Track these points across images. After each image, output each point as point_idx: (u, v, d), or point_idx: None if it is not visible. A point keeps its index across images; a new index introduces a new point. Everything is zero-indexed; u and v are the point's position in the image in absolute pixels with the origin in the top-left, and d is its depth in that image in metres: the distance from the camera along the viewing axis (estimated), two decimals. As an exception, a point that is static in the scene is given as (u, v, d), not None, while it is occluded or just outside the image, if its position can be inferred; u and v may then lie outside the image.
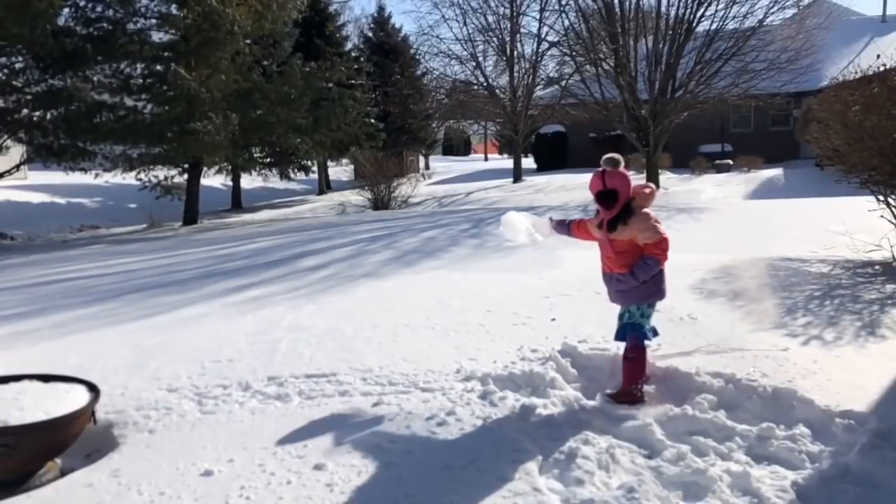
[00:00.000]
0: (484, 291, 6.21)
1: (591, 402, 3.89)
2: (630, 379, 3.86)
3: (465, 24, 28.41)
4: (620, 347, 4.13)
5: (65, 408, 3.39)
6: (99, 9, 15.58)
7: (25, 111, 14.89)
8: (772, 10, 18.81)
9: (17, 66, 14.87)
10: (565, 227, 4.33)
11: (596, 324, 4.87)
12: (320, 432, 3.52)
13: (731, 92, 19.19)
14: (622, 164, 3.82)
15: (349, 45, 33.03)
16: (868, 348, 4.56)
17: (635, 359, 3.88)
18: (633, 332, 3.91)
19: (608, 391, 3.90)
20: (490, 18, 28.14)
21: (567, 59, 25.35)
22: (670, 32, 18.78)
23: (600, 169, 3.80)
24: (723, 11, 18.59)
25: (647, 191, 3.91)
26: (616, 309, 4.12)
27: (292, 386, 4.12)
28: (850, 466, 3.09)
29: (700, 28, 18.95)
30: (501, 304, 5.72)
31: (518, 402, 3.81)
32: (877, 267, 6.89)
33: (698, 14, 18.54)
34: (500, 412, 3.70)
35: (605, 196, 3.77)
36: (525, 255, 7.66)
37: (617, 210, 3.78)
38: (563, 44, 23.64)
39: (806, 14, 20.26)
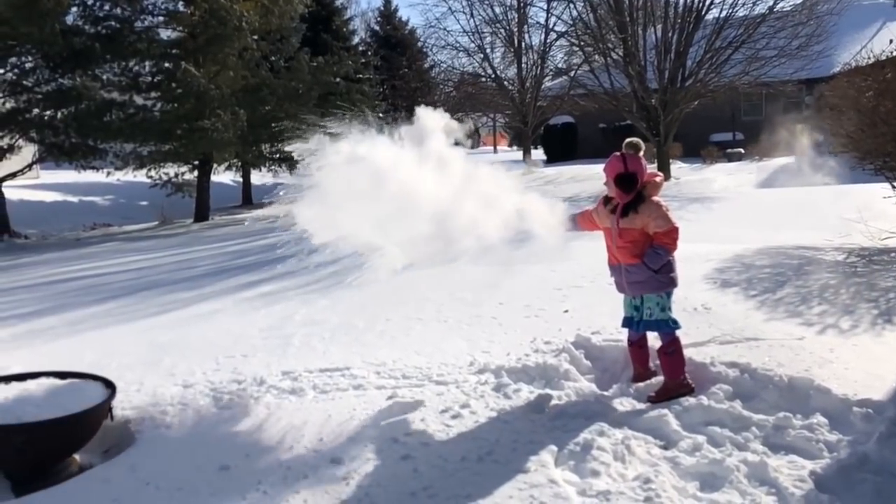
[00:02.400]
0: (496, 284, 6.19)
1: (605, 394, 3.89)
2: (675, 372, 3.83)
3: (472, 15, 28.35)
4: (625, 334, 4.14)
5: (82, 404, 3.41)
6: (107, 7, 15.60)
7: (36, 111, 14.94)
8: (782, -4, 18.64)
9: (27, 65, 14.91)
10: (572, 221, 4.23)
11: (609, 315, 4.84)
12: (335, 426, 3.53)
13: (741, 80, 19.00)
14: (643, 149, 3.81)
15: (356, 40, 32.94)
16: (885, 336, 4.52)
17: (675, 352, 3.85)
18: (660, 328, 3.88)
19: (650, 394, 3.82)
20: (497, 10, 28.07)
21: (575, 49, 25.18)
22: (679, 21, 18.62)
23: (619, 153, 3.78)
24: (732, -2, 18.44)
25: (658, 179, 3.89)
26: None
27: (306, 380, 4.13)
28: (868, 455, 3.07)
29: (709, 16, 18.79)
30: (514, 297, 5.71)
31: (532, 394, 3.81)
32: (893, 254, 6.82)
33: (707, 1, 18.39)
34: (514, 404, 3.70)
35: (624, 179, 3.74)
36: (537, 247, 7.64)
37: (633, 195, 3.76)
38: (571, 34, 23.51)
39: (816, -1, 20.03)
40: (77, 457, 3.56)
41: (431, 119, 3.98)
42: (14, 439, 3.22)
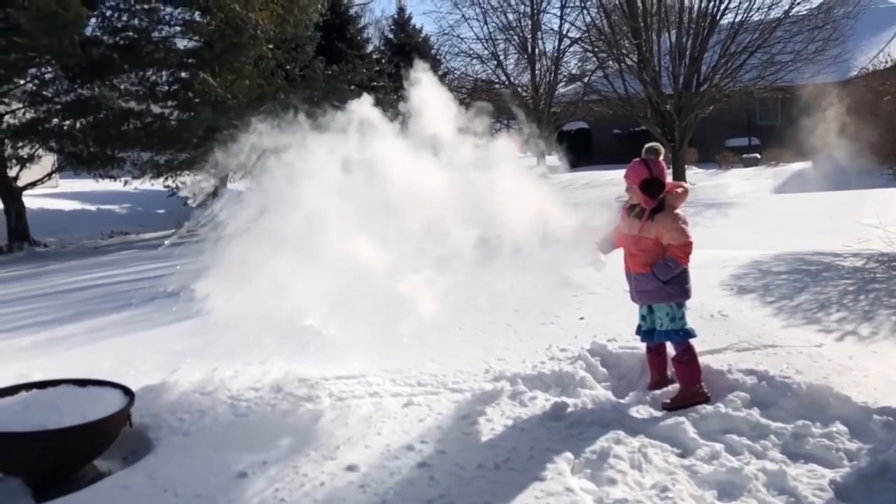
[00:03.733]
0: (511, 290, 6.18)
1: (621, 401, 3.87)
2: (690, 380, 3.81)
3: (485, 23, 28.39)
4: (641, 344, 4.12)
5: (101, 412, 3.45)
6: (125, 18, 15.81)
7: (56, 120, 15.15)
8: (797, 0, 18.54)
9: (47, 76, 15.13)
10: (608, 242, 4.15)
11: (625, 322, 4.82)
12: (352, 433, 3.55)
13: (757, 84, 18.92)
14: (663, 153, 3.81)
15: (370, 48, 33.11)
16: (905, 343, 4.47)
17: (689, 360, 3.83)
18: (671, 339, 3.86)
19: (665, 401, 3.80)
20: (511, 17, 28.07)
21: (589, 55, 25.17)
22: (694, 26, 18.57)
23: (641, 158, 3.78)
24: (747, 3, 18.37)
25: (680, 190, 3.87)
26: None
27: (323, 387, 4.15)
28: (889, 464, 3.03)
29: (724, 20, 18.73)
30: (529, 303, 5.70)
31: (548, 401, 3.80)
32: (912, 260, 6.75)
33: (722, 6, 18.32)
34: (530, 412, 3.70)
35: (650, 184, 3.73)
36: (551, 253, 7.63)
37: (659, 200, 3.74)
38: (585, 40, 23.50)
39: (832, 3, 19.86)
40: (96, 463, 3.60)
41: (433, 94, 3.87)
42: (35, 446, 3.26)
